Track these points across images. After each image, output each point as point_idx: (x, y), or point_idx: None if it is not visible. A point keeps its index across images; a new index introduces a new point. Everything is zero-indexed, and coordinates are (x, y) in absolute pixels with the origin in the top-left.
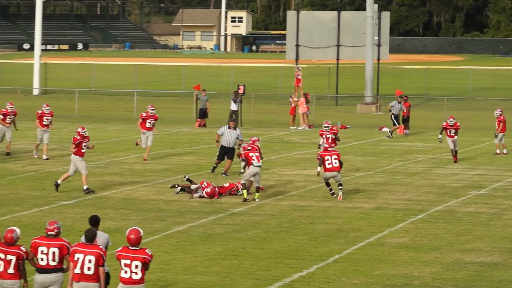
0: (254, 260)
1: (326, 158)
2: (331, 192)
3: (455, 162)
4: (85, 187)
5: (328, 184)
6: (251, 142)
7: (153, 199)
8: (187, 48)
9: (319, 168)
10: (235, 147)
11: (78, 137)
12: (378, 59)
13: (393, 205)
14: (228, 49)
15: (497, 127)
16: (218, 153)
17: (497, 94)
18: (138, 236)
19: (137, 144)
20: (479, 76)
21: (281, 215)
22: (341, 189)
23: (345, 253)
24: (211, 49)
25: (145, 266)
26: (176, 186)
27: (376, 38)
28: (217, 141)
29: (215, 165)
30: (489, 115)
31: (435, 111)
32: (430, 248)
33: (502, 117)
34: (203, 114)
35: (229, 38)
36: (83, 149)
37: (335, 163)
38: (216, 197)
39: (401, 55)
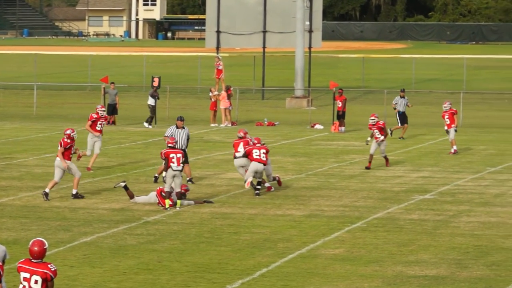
0: (171, 274)
1: (254, 151)
2: (257, 192)
3: (388, 166)
4: (74, 191)
5: (260, 183)
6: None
7: (57, 206)
8: (94, 35)
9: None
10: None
11: (68, 141)
12: (310, 47)
13: (327, 212)
14: (140, 36)
15: (448, 122)
16: None
17: (443, 86)
18: (42, 248)
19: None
20: (424, 65)
21: (201, 223)
22: (259, 188)
23: (274, 266)
24: (121, 36)
25: (46, 283)
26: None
27: (307, 23)
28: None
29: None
30: (435, 110)
31: (374, 106)
32: (369, 260)
33: (454, 110)
34: (112, 110)
35: (141, 23)
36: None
37: (263, 156)
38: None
39: (336, 42)
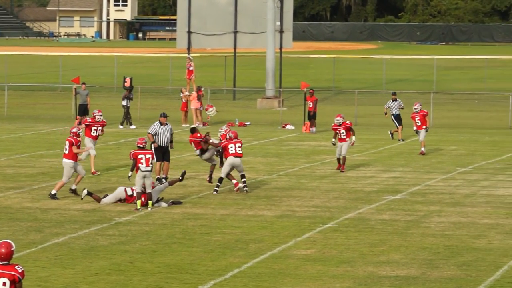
0: (143, 275)
1: (229, 146)
2: (216, 189)
3: (341, 170)
4: (74, 186)
5: (221, 180)
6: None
7: (28, 207)
8: (65, 35)
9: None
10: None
11: (79, 138)
12: (281, 48)
13: (298, 212)
14: (111, 37)
15: (419, 124)
16: (154, 154)
17: (414, 87)
18: (9, 250)
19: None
20: (394, 66)
21: (173, 224)
22: (245, 181)
23: (245, 267)
24: (92, 36)
25: (14, 285)
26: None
27: (278, 23)
28: (154, 142)
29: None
30: (406, 111)
31: (345, 106)
32: (340, 260)
33: (425, 111)
34: (83, 110)
35: (112, 24)
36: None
37: (239, 150)
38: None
39: (307, 43)
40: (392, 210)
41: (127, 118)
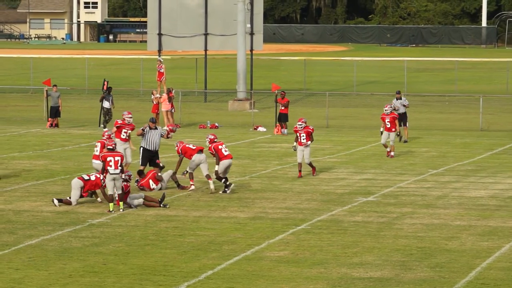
0: (116, 277)
1: (219, 147)
2: (225, 190)
3: (314, 175)
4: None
5: (222, 178)
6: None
7: (1, 209)
8: (35, 37)
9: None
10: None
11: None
12: (251, 50)
13: (271, 214)
14: (82, 39)
15: (388, 126)
16: (140, 157)
17: (384, 89)
18: None
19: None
20: (365, 68)
21: (146, 226)
22: (229, 184)
23: (219, 269)
24: (63, 38)
25: None
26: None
27: (249, 25)
28: (142, 134)
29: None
30: (376, 112)
31: (316, 108)
32: (313, 262)
33: (396, 115)
34: (55, 112)
35: (82, 26)
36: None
37: (227, 150)
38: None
39: (277, 45)
40: (365, 212)
41: (105, 120)
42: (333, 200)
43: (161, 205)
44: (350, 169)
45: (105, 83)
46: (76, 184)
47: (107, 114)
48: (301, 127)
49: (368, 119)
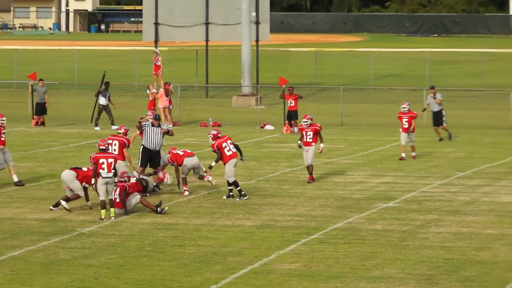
0: None
1: (223, 145)
2: (241, 192)
3: (308, 181)
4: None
5: (235, 184)
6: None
7: None
8: (20, 27)
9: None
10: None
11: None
12: (257, 40)
13: (281, 222)
14: (71, 29)
15: (405, 126)
16: (140, 158)
17: (404, 83)
18: None
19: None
20: (382, 60)
21: (142, 235)
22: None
23: (223, 283)
24: (50, 28)
25: None
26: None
27: (254, 14)
28: (140, 130)
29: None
30: (396, 109)
31: (329, 104)
32: (328, 276)
33: (415, 113)
34: (41, 109)
35: (71, 15)
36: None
37: (233, 148)
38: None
39: (285, 35)
40: (385, 219)
41: (98, 118)
42: (349, 206)
43: (158, 211)
44: (367, 172)
45: (104, 76)
46: (69, 175)
47: (102, 112)
48: (307, 125)
49: (386, 116)
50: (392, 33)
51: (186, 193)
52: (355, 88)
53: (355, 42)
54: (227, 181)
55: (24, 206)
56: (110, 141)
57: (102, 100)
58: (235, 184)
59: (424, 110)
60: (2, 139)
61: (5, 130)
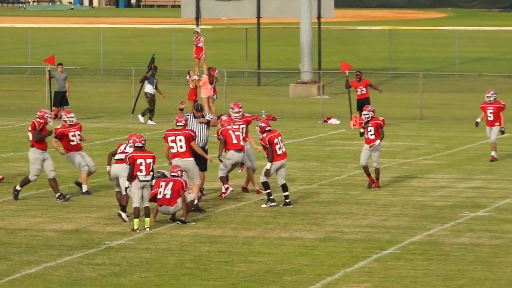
0: None
1: (275, 141)
2: (269, 197)
3: (372, 187)
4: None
5: (268, 186)
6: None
7: None
8: (34, 2)
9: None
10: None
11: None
12: (319, 17)
13: (348, 234)
14: (95, 3)
15: (491, 118)
16: None
17: (497, 68)
18: None
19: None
20: (470, 41)
21: (182, 250)
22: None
23: None
24: (70, 3)
25: None
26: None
27: None
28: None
29: None
30: (479, 97)
31: (406, 93)
32: None
33: (502, 104)
34: (60, 99)
35: None
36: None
37: (283, 146)
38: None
39: (353, 11)
40: (473, 231)
41: (148, 109)
42: (430, 216)
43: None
44: (452, 175)
45: (153, 59)
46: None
47: (151, 102)
48: (367, 118)
49: (475, 108)
50: (482, 8)
51: (231, 189)
52: (437, 75)
53: (437, 19)
54: (261, 182)
55: (42, 215)
56: (172, 138)
57: (149, 88)
58: (265, 185)
59: None
60: (73, 143)
61: (79, 132)
